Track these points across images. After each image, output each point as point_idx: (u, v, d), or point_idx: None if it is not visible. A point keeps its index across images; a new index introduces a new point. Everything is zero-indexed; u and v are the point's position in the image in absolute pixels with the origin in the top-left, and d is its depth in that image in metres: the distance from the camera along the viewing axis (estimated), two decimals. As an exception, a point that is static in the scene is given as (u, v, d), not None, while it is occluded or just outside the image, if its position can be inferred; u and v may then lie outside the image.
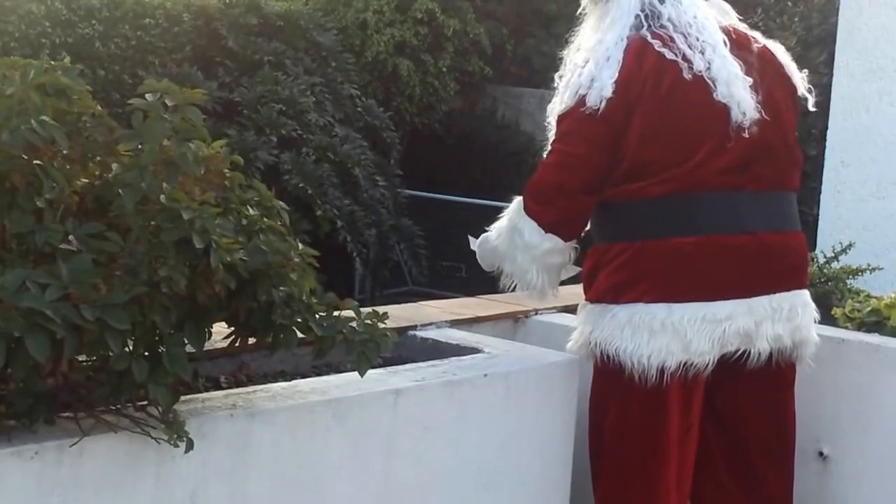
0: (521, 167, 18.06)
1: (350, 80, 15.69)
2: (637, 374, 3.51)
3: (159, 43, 14.47)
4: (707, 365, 3.55)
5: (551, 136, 3.65)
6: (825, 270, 4.63)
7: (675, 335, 3.49)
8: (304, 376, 3.38)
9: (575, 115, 3.54)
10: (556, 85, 3.69)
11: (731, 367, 3.61)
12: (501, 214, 3.77)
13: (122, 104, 9.88)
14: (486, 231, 3.86)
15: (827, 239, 6.15)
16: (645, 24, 3.57)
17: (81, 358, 2.58)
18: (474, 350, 3.68)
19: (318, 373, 3.43)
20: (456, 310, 4.14)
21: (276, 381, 3.30)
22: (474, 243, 3.91)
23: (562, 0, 18.43)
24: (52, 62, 2.76)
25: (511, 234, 3.68)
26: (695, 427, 3.66)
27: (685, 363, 3.52)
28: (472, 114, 18.26)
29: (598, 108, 3.47)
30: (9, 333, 2.30)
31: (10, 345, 2.33)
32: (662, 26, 3.57)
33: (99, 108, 2.83)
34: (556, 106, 3.63)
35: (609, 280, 3.59)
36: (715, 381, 3.64)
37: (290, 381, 3.25)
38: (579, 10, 3.81)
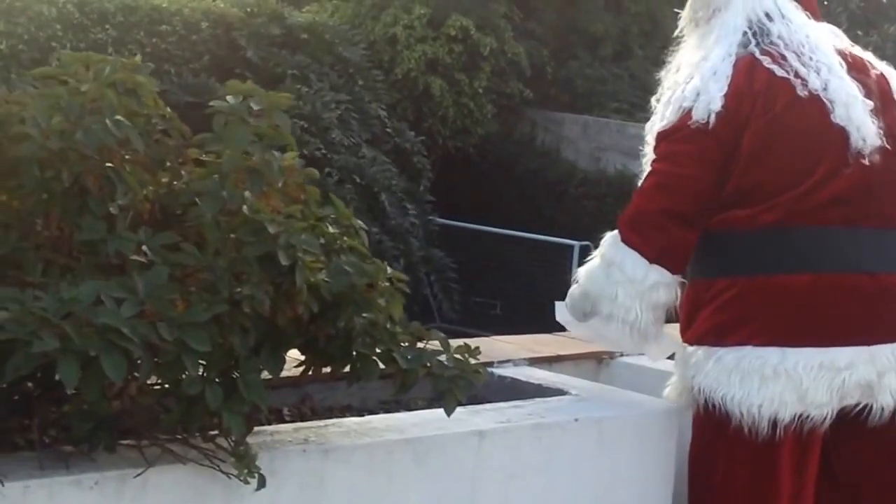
0: (562, 197, 18.06)
1: (378, 98, 15.69)
2: (746, 425, 3.37)
3: (176, 51, 14.50)
4: (825, 418, 3.41)
5: (647, 159, 3.56)
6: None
7: (789, 383, 3.36)
8: (371, 412, 3.32)
9: (680, 133, 3.43)
10: (652, 107, 3.61)
11: (850, 423, 3.46)
12: (588, 258, 3.63)
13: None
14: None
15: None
16: (753, 41, 3.51)
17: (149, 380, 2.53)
18: (559, 391, 3.60)
19: (388, 409, 3.36)
20: (533, 346, 4.07)
21: (342, 415, 3.24)
22: (561, 310, 3.71)
23: (608, 20, 18.46)
24: (123, 60, 2.73)
25: (606, 270, 3.51)
26: (808, 490, 3.52)
27: (800, 415, 3.39)
28: (509, 139, 18.26)
29: (708, 123, 3.38)
30: (83, 351, 2.25)
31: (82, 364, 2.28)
32: (772, 43, 3.49)
33: (169, 110, 2.79)
34: (655, 124, 3.53)
35: (711, 320, 3.47)
36: (832, 439, 3.50)
37: (359, 416, 3.19)
38: (676, 32, 3.74)
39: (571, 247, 17.11)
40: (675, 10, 3.80)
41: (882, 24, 12.93)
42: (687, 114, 3.42)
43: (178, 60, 14.37)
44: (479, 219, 16.71)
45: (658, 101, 3.61)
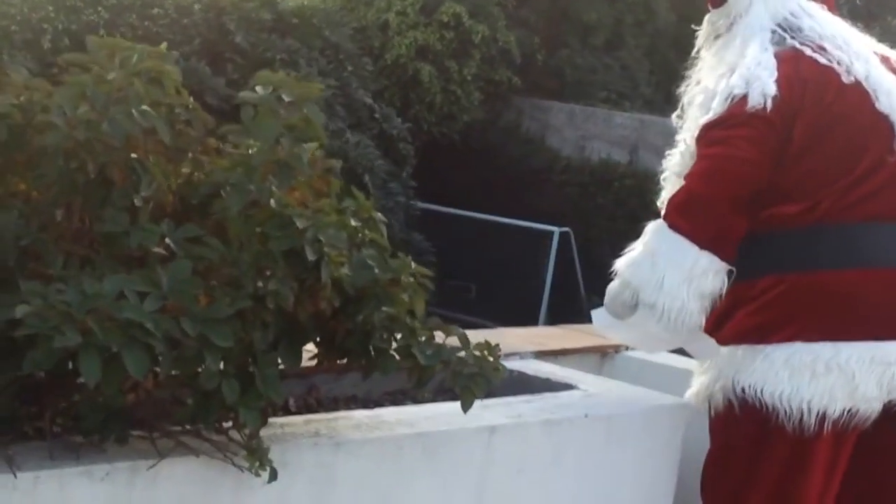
0: (544, 185, 18.02)
1: (366, 86, 15.62)
2: (793, 421, 3.27)
3: (167, 34, 14.43)
4: (871, 414, 3.31)
5: (675, 158, 3.45)
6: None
7: (840, 377, 3.26)
8: (377, 403, 3.29)
9: (736, 118, 3.28)
10: (675, 124, 3.50)
11: (884, 420, 3.36)
12: (624, 250, 3.43)
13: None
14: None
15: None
16: (787, 36, 3.42)
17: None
18: (567, 386, 3.57)
19: (394, 400, 3.34)
20: (538, 339, 4.02)
21: (348, 406, 3.21)
22: (598, 316, 3.45)
23: (602, 9, 18.35)
24: (150, 48, 2.68)
25: (651, 259, 3.31)
26: (835, 486, 3.42)
27: (848, 410, 3.30)
28: (494, 126, 18.17)
29: (765, 108, 3.25)
30: (105, 346, 2.21)
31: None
32: (806, 36, 3.42)
33: (192, 100, 2.75)
34: (696, 121, 3.38)
35: (753, 319, 3.35)
36: (861, 436, 3.39)
37: (364, 408, 3.17)
38: (694, 52, 3.66)
39: (551, 232, 17.08)
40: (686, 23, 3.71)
41: (885, 16, 12.76)
42: (740, 101, 3.28)
43: (170, 44, 14.29)
44: (461, 204, 16.65)
45: (680, 117, 3.52)
